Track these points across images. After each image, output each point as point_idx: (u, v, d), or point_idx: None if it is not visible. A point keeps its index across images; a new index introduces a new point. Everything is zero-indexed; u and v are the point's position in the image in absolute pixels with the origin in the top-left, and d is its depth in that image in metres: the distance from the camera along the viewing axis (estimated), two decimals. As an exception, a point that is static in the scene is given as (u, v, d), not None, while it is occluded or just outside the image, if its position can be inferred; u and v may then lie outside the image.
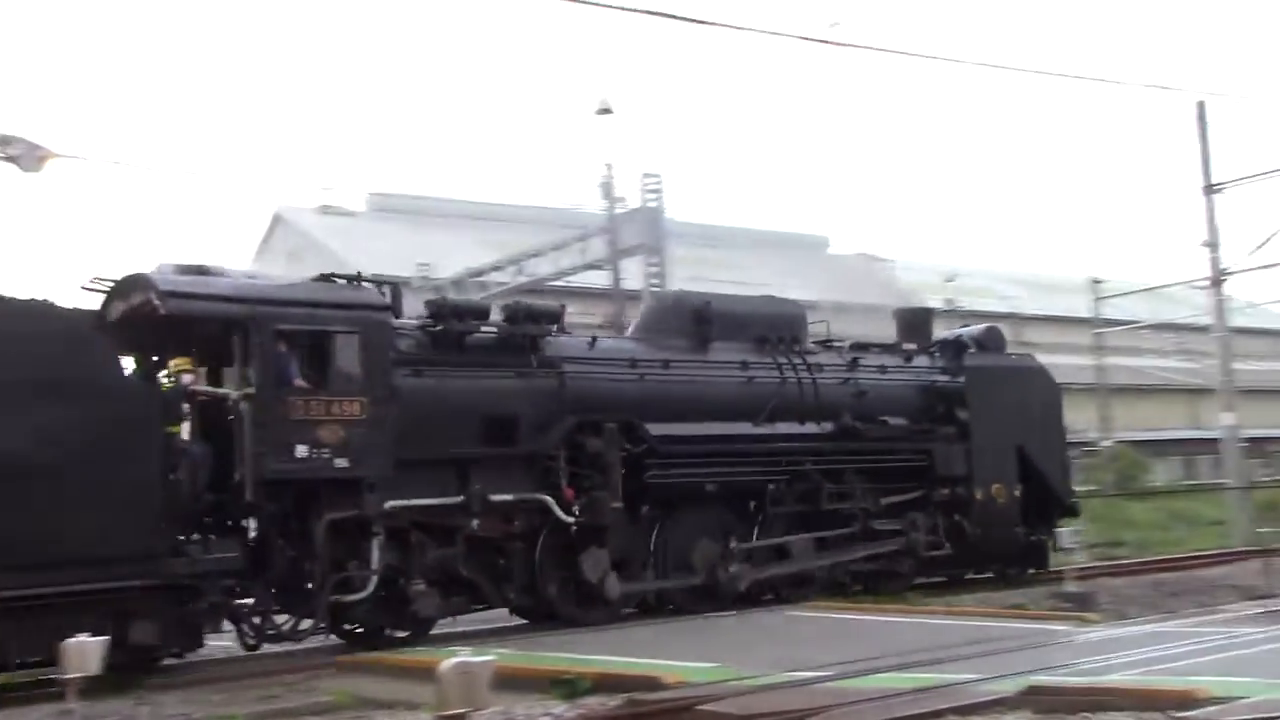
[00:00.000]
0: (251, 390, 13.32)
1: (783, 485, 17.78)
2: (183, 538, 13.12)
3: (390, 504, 14.10)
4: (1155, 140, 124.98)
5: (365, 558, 13.97)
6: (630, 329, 18.62)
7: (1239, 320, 39.16)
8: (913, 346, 20.68)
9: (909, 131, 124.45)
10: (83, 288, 14.03)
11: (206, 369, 14.23)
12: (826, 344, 19.67)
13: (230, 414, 13.48)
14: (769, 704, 9.85)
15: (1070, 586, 17.68)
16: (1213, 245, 30.51)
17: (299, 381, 13.66)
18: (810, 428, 18.25)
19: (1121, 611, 17.63)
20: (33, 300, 12.88)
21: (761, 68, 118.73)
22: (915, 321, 21.76)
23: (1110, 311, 41.86)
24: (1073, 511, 21.61)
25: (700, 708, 9.93)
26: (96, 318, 13.51)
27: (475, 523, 14.93)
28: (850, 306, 48.67)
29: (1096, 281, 42.71)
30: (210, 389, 13.91)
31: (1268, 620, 15.16)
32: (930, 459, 19.29)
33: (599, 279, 31.05)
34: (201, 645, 13.67)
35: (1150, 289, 40.40)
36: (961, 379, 20.17)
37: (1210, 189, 30.38)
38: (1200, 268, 31.78)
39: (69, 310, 13.22)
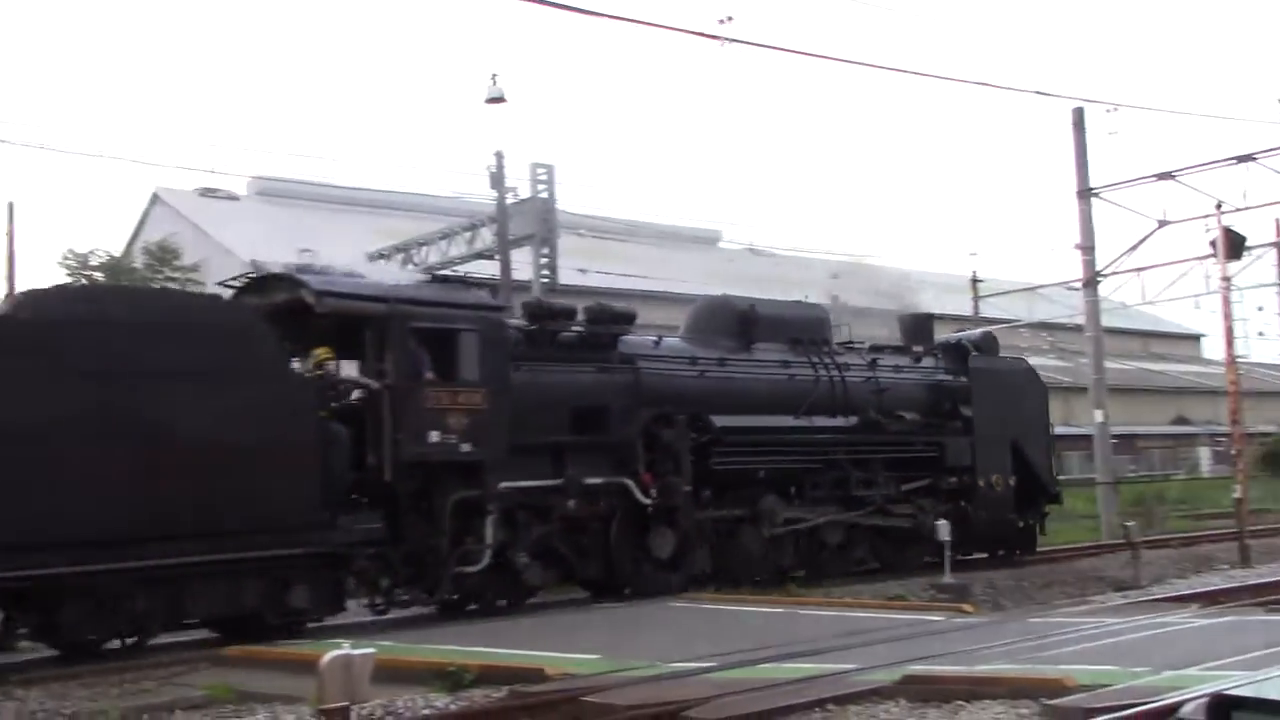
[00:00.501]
0: (390, 381, 14.77)
1: (817, 472, 19.73)
2: (333, 513, 14.36)
3: (504, 485, 15.70)
4: (1037, 144, 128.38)
5: (480, 534, 15.48)
6: (681, 329, 20.14)
7: (1111, 320, 40.44)
8: (920, 349, 22.58)
9: (798, 129, 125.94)
10: (221, 284, 15.77)
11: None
12: (849, 345, 21.58)
13: (366, 402, 14.91)
14: (652, 695, 9.91)
15: (947, 578, 18.10)
16: (1087, 248, 31.41)
17: (429, 374, 15.10)
18: (840, 421, 20.19)
19: (996, 602, 18.15)
20: (209, 295, 14.81)
21: (656, 61, 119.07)
22: (918, 326, 23.69)
23: (989, 310, 42.89)
24: (1057, 500, 24.04)
25: (584, 699, 9.95)
26: (264, 311, 14.70)
27: (571, 503, 16.63)
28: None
29: (976, 280, 43.77)
30: (354, 378, 15.31)
31: (1133, 610, 15.74)
32: (941, 451, 21.32)
33: (488, 268, 30.87)
34: (344, 609, 15.08)
35: (1028, 289, 41.51)
36: (964, 379, 22.21)
37: (1085, 193, 31.25)
38: (1075, 269, 32.80)
39: (241, 305, 14.98)
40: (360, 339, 15.10)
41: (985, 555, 22.41)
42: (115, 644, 13.53)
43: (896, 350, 22.55)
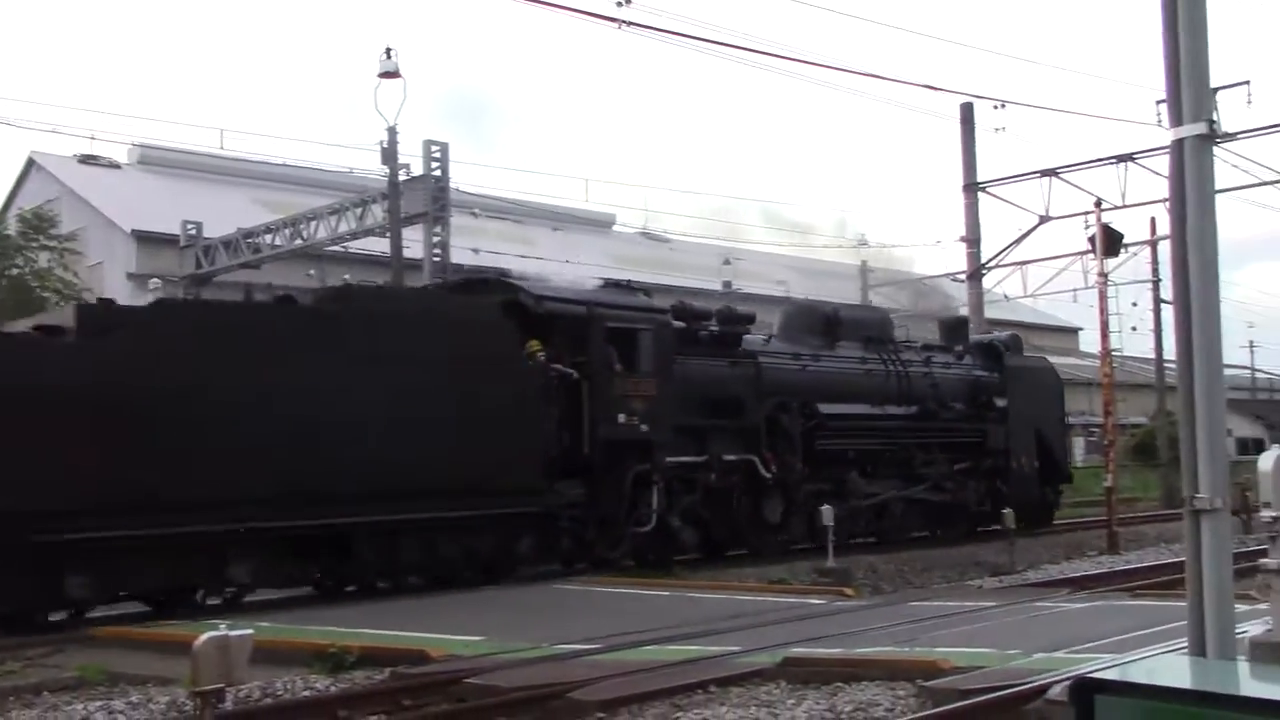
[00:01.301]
0: (588, 372, 17.51)
1: (889, 453, 22.93)
2: (550, 480, 17.09)
3: (669, 460, 18.47)
4: (929, 138, 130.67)
5: (648, 501, 18.09)
6: (775, 328, 22.54)
7: (994, 312, 41.40)
8: (960, 348, 25.85)
9: (694, 114, 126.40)
10: (427, 286, 19.00)
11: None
12: (906, 344, 24.60)
13: (567, 388, 17.40)
14: (535, 677, 9.90)
15: (830, 562, 18.36)
16: (971, 241, 32.14)
17: (618, 366, 17.89)
18: (905, 410, 23.32)
19: (877, 586, 18.47)
20: (468, 297, 17.80)
21: (553, 44, 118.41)
22: (957, 327, 27.52)
23: (877, 299, 43.60)
24: (1069, 479, 28.33)
25: (467, 681, 9.90)
26: (505, 309, 17.20)
27: (713, 476, 19.44)
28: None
29: (866, 270, 44.38)
30: (561, 367, 17.41)
31: (1008, 595, 16.16)
32: (984, 436, 24.70)
33: (379, 245, 30.41)
34: (555, 561, 17.97)
35: (915, 279, 42.29)
36: (997, 375, 25.61)
37: (971, 187, 31.97)
38: (961, 261, 33.54)
39: (492, 305, 17.28)
40: (563, 335, 17.62)
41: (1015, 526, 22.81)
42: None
43: (942, 349, 25.70)
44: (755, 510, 20.44)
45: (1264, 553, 8.08)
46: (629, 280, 20.59)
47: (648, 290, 20.29)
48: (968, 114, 31.44)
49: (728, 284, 40.72)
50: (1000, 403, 25.02)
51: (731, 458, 19.77)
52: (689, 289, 48.41)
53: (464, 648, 11.40)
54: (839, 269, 50.82)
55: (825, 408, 21.40)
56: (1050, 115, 53.11)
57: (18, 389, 13.03)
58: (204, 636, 7.80)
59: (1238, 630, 10.13)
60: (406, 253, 25.62)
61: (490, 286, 18.31)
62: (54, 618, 13.80)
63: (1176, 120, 3.69)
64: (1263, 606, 8.44)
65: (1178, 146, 3.67)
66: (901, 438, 23.23)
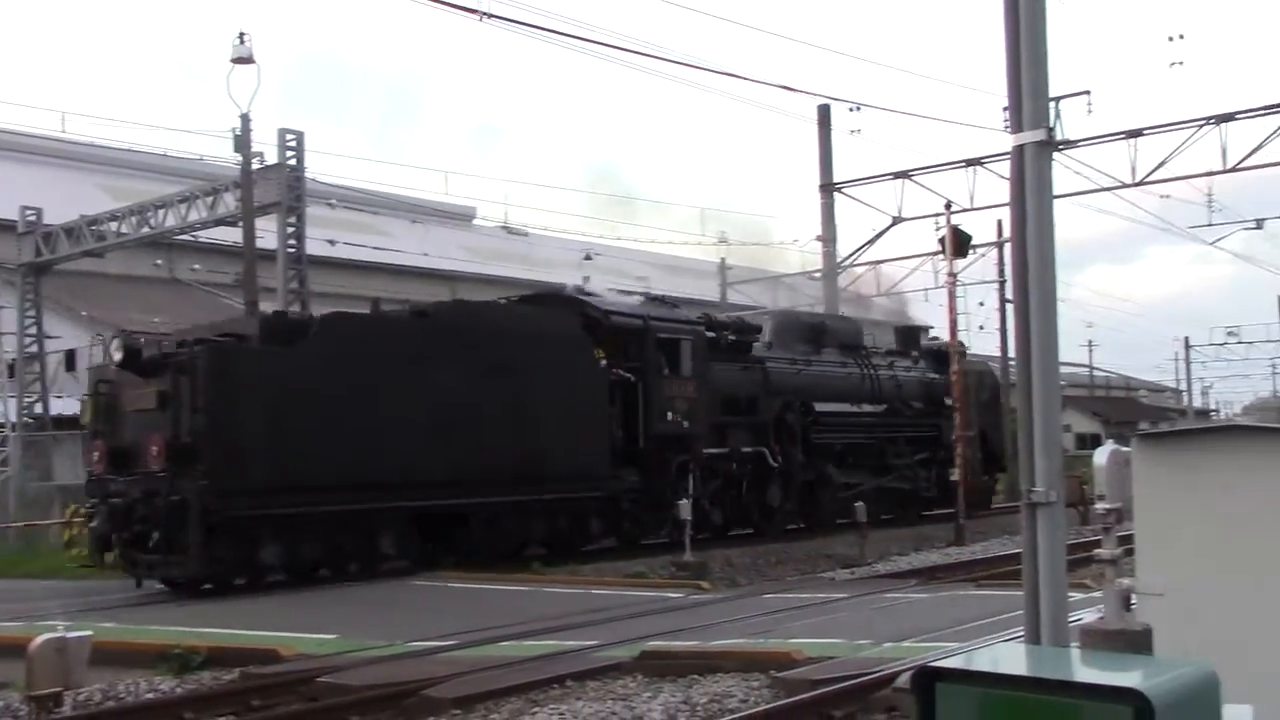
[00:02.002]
0: (642, 376, 20.78)
1: (866, 446, 26.19)
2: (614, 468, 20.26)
3: (705, 451, 21.88)
4: (786, 138, 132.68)
5: (686, 487, 20.44)
6: (765, 336, 24.90)
7: (849, 310, 42.27)
8: (915, 353, 29.40)
9: (556, 107, 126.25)
10: (505, 299, 22.11)
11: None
12: (874, 350, 28.01)
13: (625, 389, 20.65)
14: (389, 674, 9.77)
15: (687, 556, 18.54)
16: (827, 240, 32.77)
17: (666, 371, 21.10)
18: (877, 408, 26.64)
19: (733, 579, 18.72)
20: (555, 311, 20.67)
21: (415, 35, 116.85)
22: (911, 334, 30.98)
23: (736, 297, 44.14)
24: (1004, 469, 31.27)
25: (319, 680, 9.72)
26: (584, 321, 20.47)
27: (734, 465, 22.69)
28: (495, 278, 48.94)
29: (725, 268, 44.86)
30: (621, 372, 20.49)
31: (858, 586, 16.54)
32: (939, 431, 27.91)
33: (231, 235, 29.62)
34: (615, 538, 20.99)
35: (773, 277, 42.96)
36: (945, 377, 27.97)
37: (827, 188, 32.57)
38: (818, 260, 34.17)
39: (571, 317, 20.45)
40: (621, 344, 20.69)
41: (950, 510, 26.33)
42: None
43: (901, 354, 29.01)
44: (761, 495, 23.54)
45: (1099, 543, 8.42)
46: (663, 295, 24.47)
47: (676, 303, 23.87)
48: (825, 116, 31.97)
49: (587, 279, 40.79)
50: (949, 401, 27.57)
51: (747, 449, 23.00)
52: (548, 283, 48.53)
53: (316, 646, 11.20)
54: (699, 265, 51.29)
55: (819, 406, 24.84)
56: (904, 119, 54.47)
57: (239, 387, 16.10)
58: (40, 638, 7.51)
59: (1074, 618, 10.57)
60: (259, 243, 24.97)
61: (561, 301, 21.47)
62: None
63: (1017, 127, 3.83)
64: (1098, 594, 8.80)
65: (1018, 152, 3.81)
66: (876, 432, 26.65)
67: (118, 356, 16.68)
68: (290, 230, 25.80)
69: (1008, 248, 34.75)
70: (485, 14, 15.55)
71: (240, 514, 15.64)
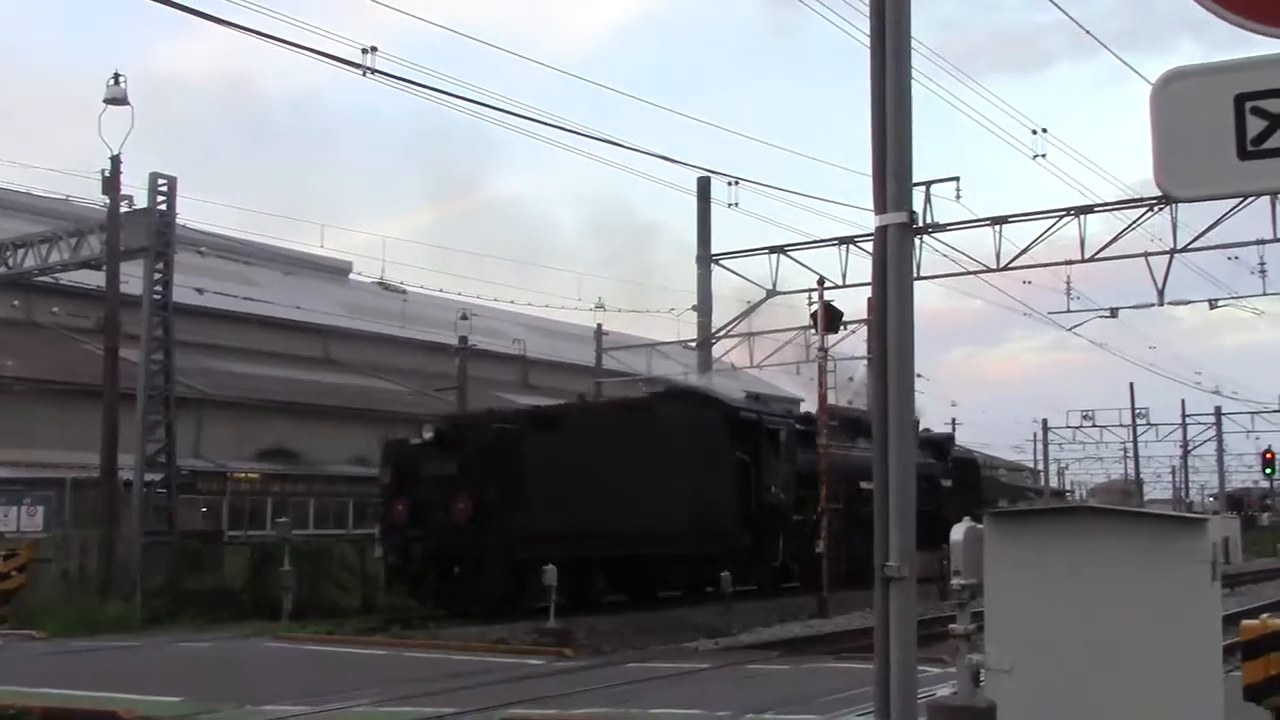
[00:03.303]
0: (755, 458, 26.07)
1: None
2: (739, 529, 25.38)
3: (794, 518, 26.98)
4: (667, 209, 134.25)
5: (777, 547, 26.48)
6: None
7: (722, 381, 42.67)
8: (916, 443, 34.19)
9: (436, 164, 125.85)
10: (647, 394, 27.95)
11: None
12: None
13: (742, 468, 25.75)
14: (237, 739, 9.44)
15: (551, 623, 18.34)
16: (702, 310, 33.18)
17: (772, 456, 26.28)
18: None
19: (598, 647, 18.57)
20: (702, 410, 25.88)
21: (299, 91, 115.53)
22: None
23: (611, 363, 44.29)
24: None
25: (160, 744, 9.35)
26: (716, 407, 26.37)
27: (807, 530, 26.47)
28: (366, 334, 48.29)
29: (602, 333, 44.95)
30: (741, 454, 25.44)
31: (722, 656, 16.55)
32: (938, 508, 29.10)
33: (94, 279, 28.74)
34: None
35: (649, 345, 43.20)
36: (940, 463, 33.95)
37: (705, 259, 33.05)
38: (693, 330, 34.52)
39: (710, 410, 26.05)
40: (740, 432, 25.72)
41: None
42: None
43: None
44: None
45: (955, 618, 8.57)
46: (756, 394, 31.22)
47: (761, 397, 30.69)
48: (704, 188, 32.49)
49: (464, 339, 40.50)
50: (946, 483, 32.95)
51: (815, 517, 25.88)
52: (425, 342, 48.07)
53: (159, 709, 10.78)
54: (575, 330, 51.42)
55: (863, 484, 27.84)
56: (781, 195, 55.61)
57: (520, 462, 21.60)
58: None
59: (929, 692, 10.73)
60: (124, 288, 24.29)
61: (694, 397, 27.40)
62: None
63: (881, 209, 3.94)
64: (953, 669, 8.95)
65: (881, 233, 3.92)
66: None
67: (428, 435, 22.13)
68: (157, 276, 25.16)
69: (878, 325, 35.70)
70: (369, 69, 15.53)
71: (522, 557, 20.54)
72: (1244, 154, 2.51)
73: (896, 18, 4.00)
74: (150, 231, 24.70)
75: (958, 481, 34.90)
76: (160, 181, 25.06)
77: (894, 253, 4.02)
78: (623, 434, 23.84)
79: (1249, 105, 2.51)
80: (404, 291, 49.97)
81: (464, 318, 40.23)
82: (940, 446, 35.53)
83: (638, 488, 22.63)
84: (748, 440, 26.30)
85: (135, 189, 25.12)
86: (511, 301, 40.82)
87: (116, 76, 22.94)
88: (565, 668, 14.58)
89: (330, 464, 39.42)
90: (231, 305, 39.43)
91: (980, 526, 6.30)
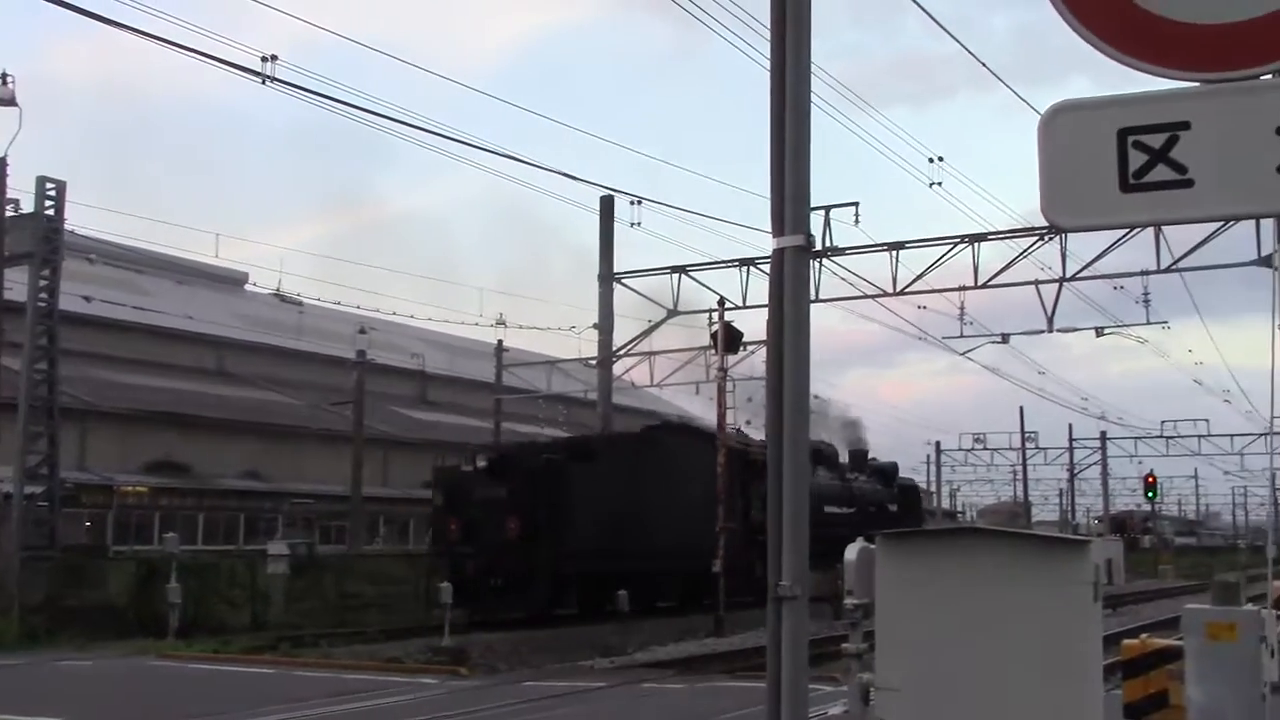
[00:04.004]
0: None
1: (848, 540, 32.31)
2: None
3: None
4: (571, 226, 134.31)
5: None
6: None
7: (621, 399, 42.75)
8: (868, 471, 37.16)
9: (337, 175, 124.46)
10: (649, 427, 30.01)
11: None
12: (846, 468, 35.59)
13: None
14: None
15: (445, 641, 18.17)
16: (603, 329, 33.17)
17: (756, 484, 28.57)
18: (850, 510, 32.96)
19: (493, 666, 18.42)
20: (691, 435, 29.35)
21: (198, 93, 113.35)
22: (859, 456, 38.37)
23: (511, 380, 44.09)
24: None
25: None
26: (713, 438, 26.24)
27: None
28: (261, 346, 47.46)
29: (502, 350, 44.76)
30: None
31: (617, 675, 16.53)
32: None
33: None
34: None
35: (549, 362, 43.09)
36: (886, 489, 37.29)
37: (607, 278, 33.07)
38: (594, 348, 34.50)
39: (707, 440, 26.78)
40: (739, 462, 26.98)
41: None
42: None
43: (856, 470, 36.23)
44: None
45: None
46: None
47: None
48: (607, 206, 32.53)
49: (362, 353, 39.99)
50: (892, 508, 36.15)
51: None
52: (322, 356, 47.38)
53: (36, 730, 10.44)
54: (475, 346, 51.12)
55: (827, 508, 31.07)
56: (683, 215, 56.00)
57: (564, 488, 24.77)
58: None
59: (821, 711, 10.84)
60: (7, 294, 23.55)
61: (692, 431, 31.12)
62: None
63: (779, 231, 3.98)
64: (846, 688, 9.04)
65: (778, 255, 3.96)
66: (856, 530, 33.65)
67: (482, 464, 25.37)
68: (43, 283, 24.46)
69: (777, 346, 36.09)
70: (268, 77, 15.31)
71: (566, 571, 24.02)
72: (1126, 187, 2.58)
73: (796, 41, 4.05)
74: (37, 237, 24.01)
75: (903, 506, 37.95)
76: (48, 185, 24.40)
77: (790, 275, 4.06)
78: (641, 463, 27.13)
79: (1131, 139, 2.59)
80: (301, 304, 49.20)
81: (362, 331, 39.74)
82: (887, 474, 38.72)
83: (654, 510, 25.79)
84: (743, 468, 28.34)
85: (22, 193, 24.42)
86: (411, 316, 40.39)
87: (4, 77, 22.30)
88: (460, 687, 14.44)
89: (222, 478, 38.63)
90: (120, 314, 38.44)
91: (872, 547, 6.39)
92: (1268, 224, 12.79)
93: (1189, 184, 2.55)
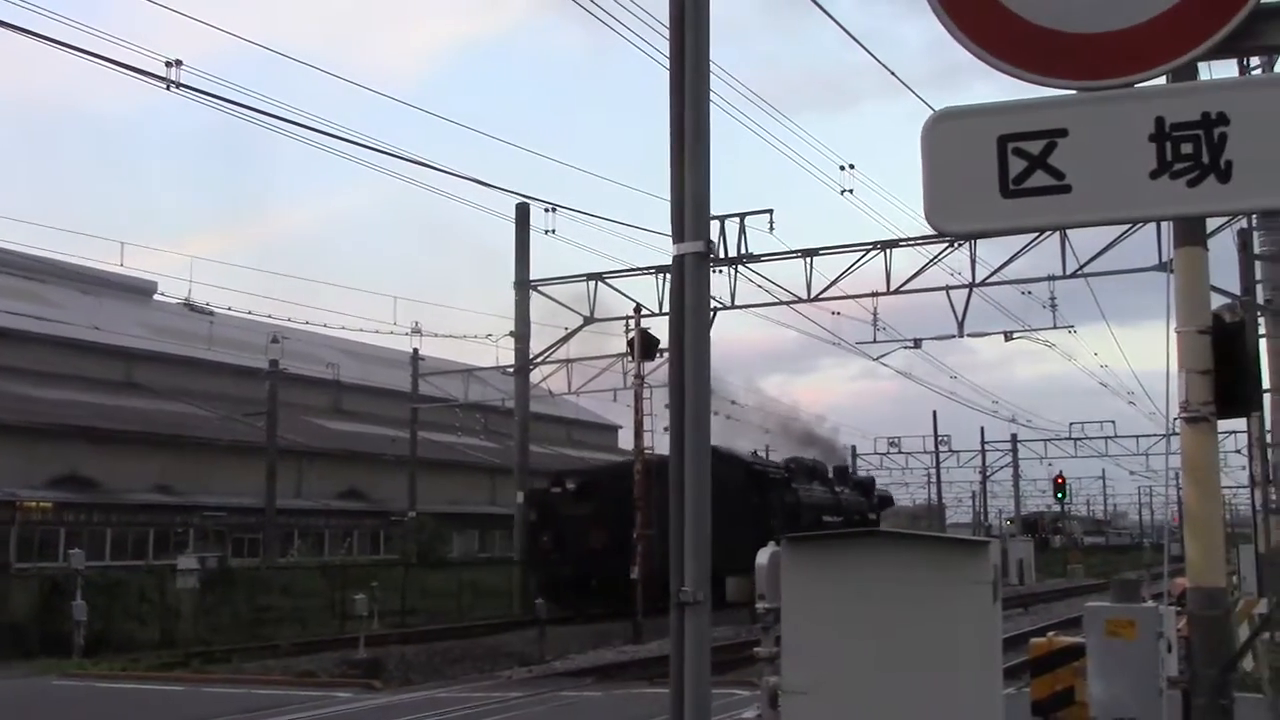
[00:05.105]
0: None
1: None
2: None
3: None
4: (487, 234, 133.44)
5: None
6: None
7: (539, 407, 42.62)
8: (851, 483, 41.80)
9: (245, 181, 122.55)
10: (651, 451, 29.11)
11: None
12: (834, 479, 39.48)
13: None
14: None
15: (360, 653, 17.96)
16: (520, 337, 33.07)
17: (771, 500, 31.66)
18: (839, 518, 35.43)
19: (407, 677, 18.24)
20: (721, 458, 27.87)
21: (104, 98, 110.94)
22: (843, 471, 43.27)
23: (427, 388, 43.73)
24: None
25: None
26: (742, 468, 31.51)
27: None
28: (172, 357, 46.56)
29: (418, 358, 44.33)
30: (755, 499, 30.04)
31: (535, 684, 16.46)
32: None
33: None
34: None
35: (466, 370, 42.80)
36: (867, 499, 41.29)
37: (523, 285, 32.99)
38: (511, 356, 34.36)
39: (740, 469, 30.87)
40: (756, 482, 31.22)
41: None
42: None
43: (841, 482, 40.25)
44: None
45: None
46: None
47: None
48: (523, 214, 32.47)
49: (275, 363, 39.38)
50: (872, 516, 39.60)
51: None
52: (234, 366, 46.57)
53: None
54: (390, 354, 50.63)
55: (825, 518, 33.95)
56: (598, 223, 56.01)
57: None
58: None
59: (739, 714, 10.89)
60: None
61: (720, 454, 30.23)
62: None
63: (679, 238, 3.99)
64: (759, 692, 9.09)
65: (679, 262, 3.97)
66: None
67: (571, 486, 31.14)
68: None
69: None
70: (173, 82, 15.05)
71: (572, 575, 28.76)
72: (1006, 192, 2.63)
73: (696, 44, 4.07)
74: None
75: (881, 515, 42.29)
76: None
77: (691, 282, 4.07)
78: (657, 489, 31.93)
79: (1010, 146, 2.63)
80: (212, 313, 48.36)
81: (275, 341, 39.12)
82: (865, 486, 43.77)
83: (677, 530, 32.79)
84: (757, 487, 31.98)
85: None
86: (324, 325, 39.79)
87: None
88: (373, 701, 14.27)
89: (130, 492, 37.77)
90: (22, 324, 37.50)
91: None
92: (1169, 230, 13.13)
93: (1067, 189, 2.59)
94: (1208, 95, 2.55)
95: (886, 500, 46.86)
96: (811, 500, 36.03)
